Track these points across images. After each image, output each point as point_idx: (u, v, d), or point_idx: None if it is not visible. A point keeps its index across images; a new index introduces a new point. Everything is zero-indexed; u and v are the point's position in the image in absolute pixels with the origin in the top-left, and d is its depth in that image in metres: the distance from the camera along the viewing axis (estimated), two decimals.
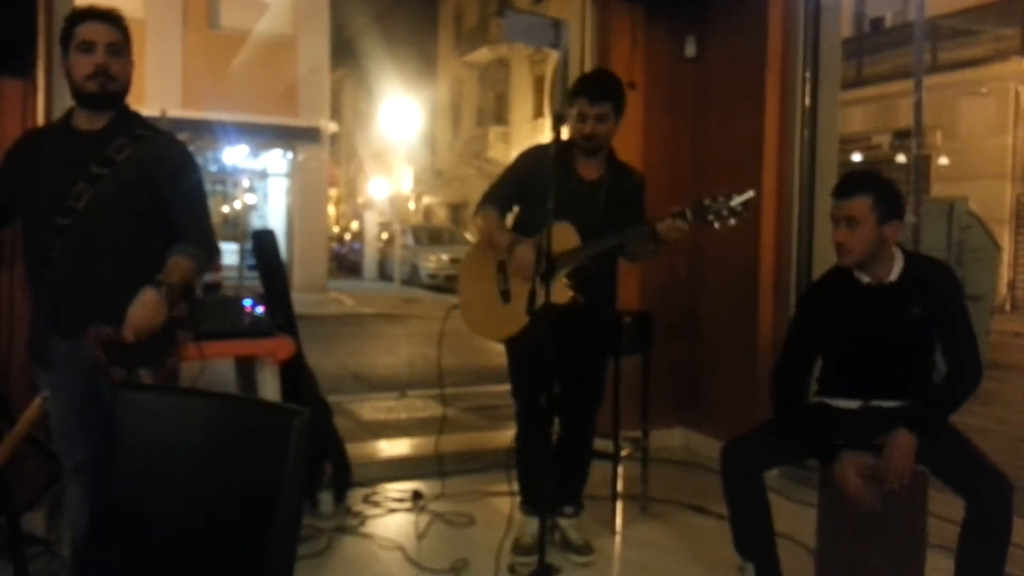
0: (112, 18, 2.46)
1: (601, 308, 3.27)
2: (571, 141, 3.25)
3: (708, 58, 4.73)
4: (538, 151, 3.39)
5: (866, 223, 2.58)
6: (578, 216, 3.05)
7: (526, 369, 3.22)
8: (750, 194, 2.90)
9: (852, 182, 2.66)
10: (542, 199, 3.15)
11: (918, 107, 7.32)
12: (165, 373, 2.47)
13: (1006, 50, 15.27)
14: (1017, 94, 15.37)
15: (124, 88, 2.50)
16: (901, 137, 16.01)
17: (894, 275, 2.65)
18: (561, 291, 2.97)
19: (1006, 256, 14.18)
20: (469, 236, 18.66)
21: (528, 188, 3.26)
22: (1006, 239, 14.67)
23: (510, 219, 3.37)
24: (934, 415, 2.58)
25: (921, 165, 11.45)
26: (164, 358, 2.45)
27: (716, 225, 2.91)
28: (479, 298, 3.25)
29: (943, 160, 16.21)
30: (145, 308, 2.31)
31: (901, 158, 16.04)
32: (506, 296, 3.17)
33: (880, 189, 2.62)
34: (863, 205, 2.58)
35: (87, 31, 2.43)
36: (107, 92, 2.45)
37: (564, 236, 3.03)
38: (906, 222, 2.72)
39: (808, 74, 4.27)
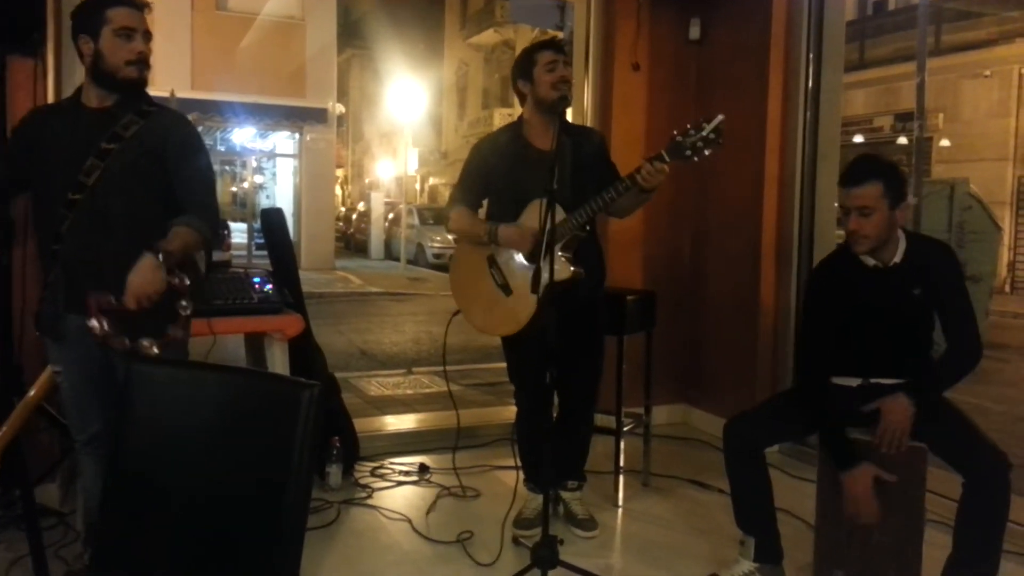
0: (142, 5, 2.50)
1: (593, 279, 3.18)
2: (522, 117, 3.22)
3: (712, 40, 4.73)
4: (488, 140, 3.35)
5: (879, 209, 2.55)
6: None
7: (524, 350, 3.18)
8: (720, 118, 2.76)
9: (861, 169, 2.58)
10: (503, 186, 3.18)
11: (921, 89, 7.32)
12: (167, 344, 2.40)
13: (1010, 33, 15.15)
14: (1020, 76, 15.26)
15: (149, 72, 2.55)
16: (903, 119, 15.97)
17: (898, 257, 2.64)
18: (562, 267, 2.92)
19: (1006, 237, 14.17)
20: None
21: (489, 178, 3.23)
22: (1007, 221, 14.64)
23: (481, 214, 3.29)
24: (931, 386, 2.59)
25: (923, 147, 11.44)
26: (166, 327, 2.39)
27: (695, 159, 2.80)
28: (480, 297, 3.17)
29: (944, 142, 16.17)
30: (143, 274, 2.29)
31: (902, 140, 16.02)
32: (506, 289, 3.10)
33: (889, 174, 2.57)
34: (875, 192, 2.54)
35: (126, 17, 2.44)
36: (143, 77, 2.49)
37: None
38: (908, 203, 2.71)
39: (811, 56, 4.27)
